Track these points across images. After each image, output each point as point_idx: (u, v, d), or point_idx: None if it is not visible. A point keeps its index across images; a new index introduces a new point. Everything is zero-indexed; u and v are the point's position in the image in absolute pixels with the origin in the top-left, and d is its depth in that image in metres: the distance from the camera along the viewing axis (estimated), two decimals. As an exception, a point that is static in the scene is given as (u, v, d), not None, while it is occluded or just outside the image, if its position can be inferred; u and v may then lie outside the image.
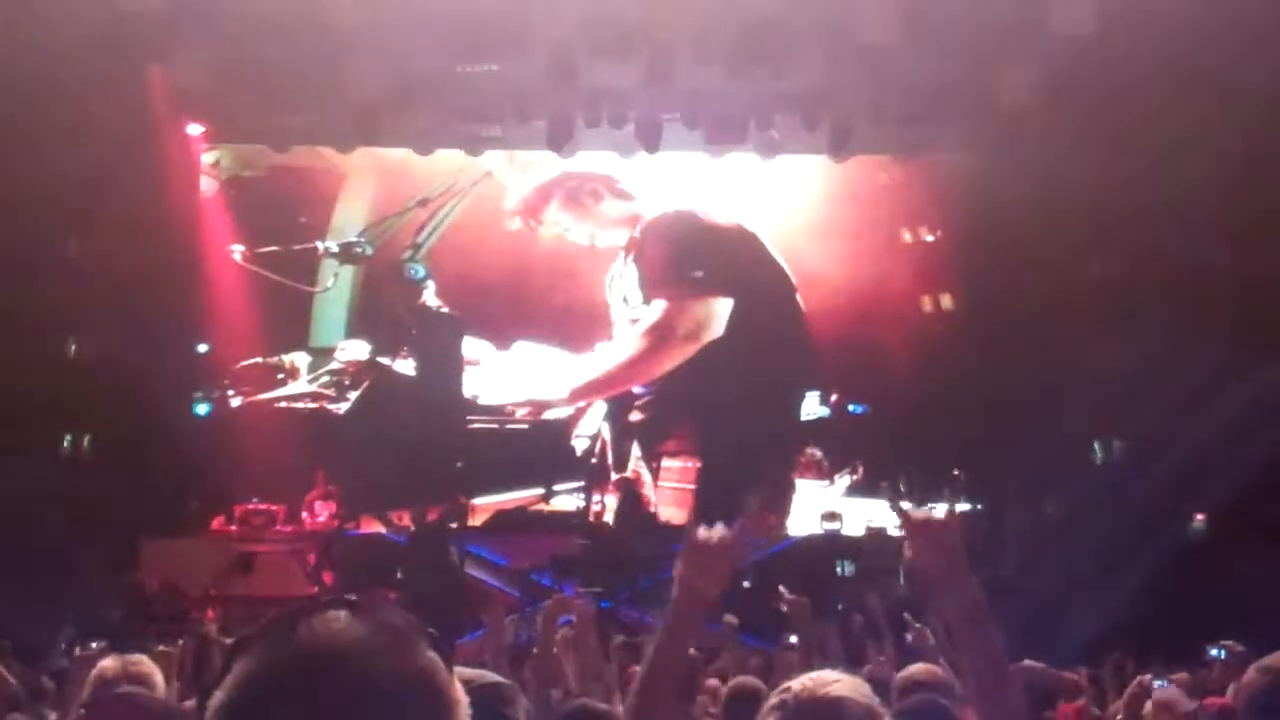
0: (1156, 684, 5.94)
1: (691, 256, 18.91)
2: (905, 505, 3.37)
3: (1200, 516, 17.07)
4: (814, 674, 2.74)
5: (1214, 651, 8.41)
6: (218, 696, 1.53)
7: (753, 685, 6.86)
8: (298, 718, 1.49)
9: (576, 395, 18.92)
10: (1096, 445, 18.12)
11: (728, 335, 18.73)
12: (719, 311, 18.82)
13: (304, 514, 16.93)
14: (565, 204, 18.99)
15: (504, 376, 19.08)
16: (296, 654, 1.52)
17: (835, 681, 2.68)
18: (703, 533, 3.19)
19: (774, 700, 2.69)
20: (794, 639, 7.95)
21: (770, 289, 19.01)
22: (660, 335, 18.80)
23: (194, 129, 18.05)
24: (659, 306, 18.82)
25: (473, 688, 2.48)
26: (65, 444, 17.42)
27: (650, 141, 17.12)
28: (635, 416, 18.83)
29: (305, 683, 1.50)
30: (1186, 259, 16.10)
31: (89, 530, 15.97)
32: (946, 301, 19.43)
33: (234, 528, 17.25)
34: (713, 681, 8.23)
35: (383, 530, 17.60)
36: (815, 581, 16.41)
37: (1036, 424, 17.08)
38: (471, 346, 18.78)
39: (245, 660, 1.54)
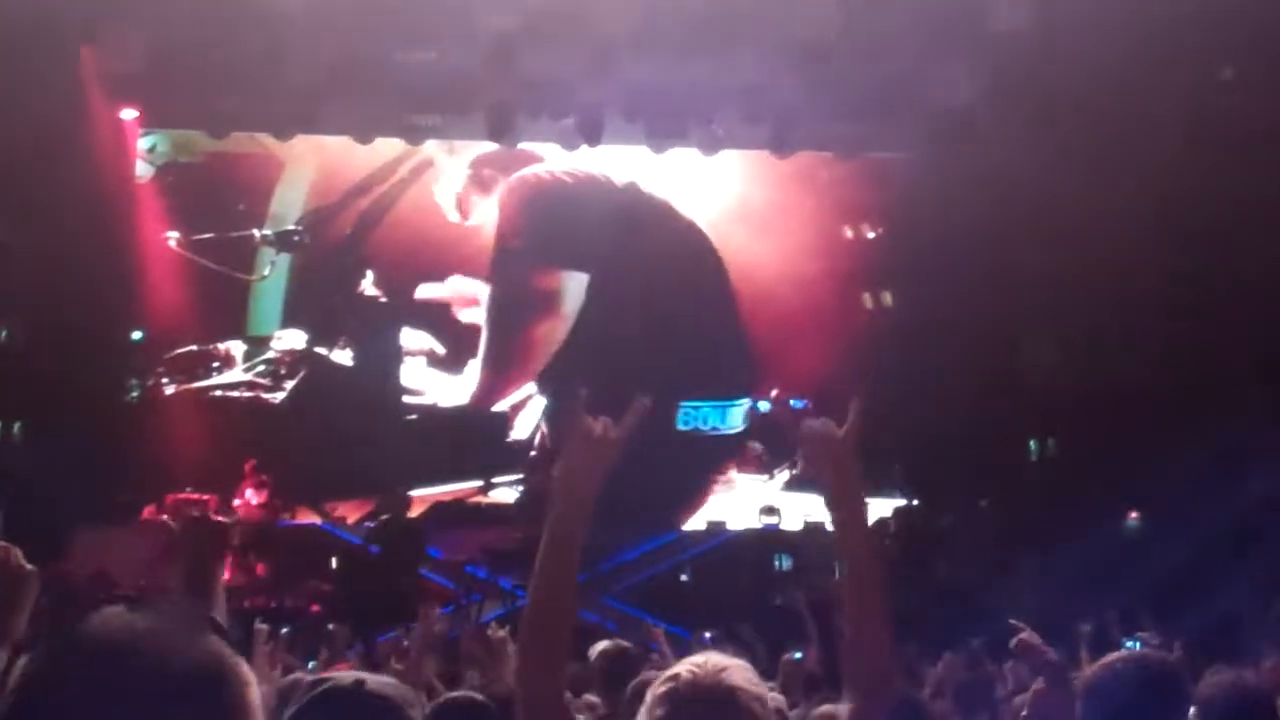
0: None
1: (539, 223, 18.77)
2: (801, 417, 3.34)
3: (1134, 514, 17.19)
4: (702, 657, 2.70)
5: (1129, 643, 8.43)
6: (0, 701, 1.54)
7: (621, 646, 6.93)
8: (73, 713, 1.49)
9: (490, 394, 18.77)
10: (1032, 443, 18.21)
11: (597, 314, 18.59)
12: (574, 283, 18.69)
13: (235, 502, 16.74)
14: (481, 190, 18.85)
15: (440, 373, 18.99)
16: (71, 651, 1.54)
17: (725, 668, 2.64)
18: (590, 423, 3.12)
19: (661, 688, 2.63)
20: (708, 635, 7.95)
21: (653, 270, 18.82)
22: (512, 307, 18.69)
23: (128, 113, 17.80)
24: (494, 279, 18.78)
25: (368, 693, 2.50)
26: None
27: (592, 134, 17.07)
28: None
29: (78, 678, 1.51)
30: (1125, 256, 16.18)
31: (19, 518, 15.85)
32: (887, 298, 19.49)
33: (166, 517, 16.98)
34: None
35: (318, 521, 17.45)
36: (753, 576, 16.80)
37: (973, 421, 17.23)
38: (419, 338, 18.71)
39: (26, 661, 1.56)
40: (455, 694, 3.09)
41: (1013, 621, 7.65)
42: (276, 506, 17.18)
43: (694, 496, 18.63)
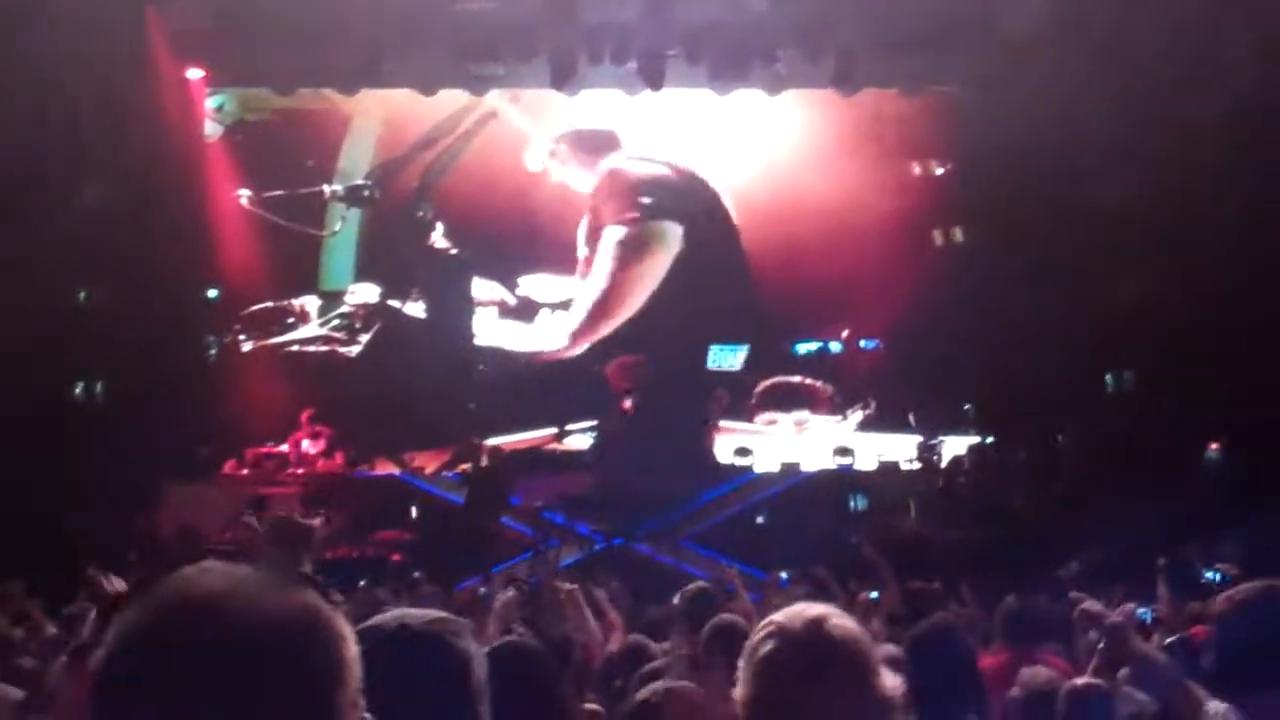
0: (1139, 612, 5.91)
1: (640, 188, 18.87)
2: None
3: (1214, 445, 17.01)
4: (799, 606, 2.73)
5: (1210, 574, 8.30)
6: (97, 655, 1.54)
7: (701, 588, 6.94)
8: (167, 668, 1.50)
9: (577, 339, 18.91)
10: (1109, 376, 18.06)
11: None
12: (671, 232, 18.89)
13: (288, 451, 16.97)
14: (570, 157, 18.92)
15: (512, 323, 19.11)
16: (165, 606, 1.53)
17: (825, 612, 2.68)
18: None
19: (764, 630, 2.67)
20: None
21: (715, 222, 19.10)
22: (620, 257, 18.77)
23: (194, 73, 17.94)
24: (615, 232, 18.80)
25: (421, 623, 2.50)
26: (77, 390, 17.53)
27: (654, 78, 17.00)
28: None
29: (172, 633, 1.51)
30: (1197, 185, 15.93)
31: (104, 475, 16.02)
32: (957, 235, 19.30)
33: (246, 471, 17.28)
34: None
35: (396, 471, 17.63)
36: (828, 516, 16.61)
37: (1049, 356, 17.09)
38: (490, 288, 18.85)
39: (121, 617, 1.55)
40: (510, 638, 3.07)
41: (1073, 594, 7.63)
42: (352, 457, 17.39)
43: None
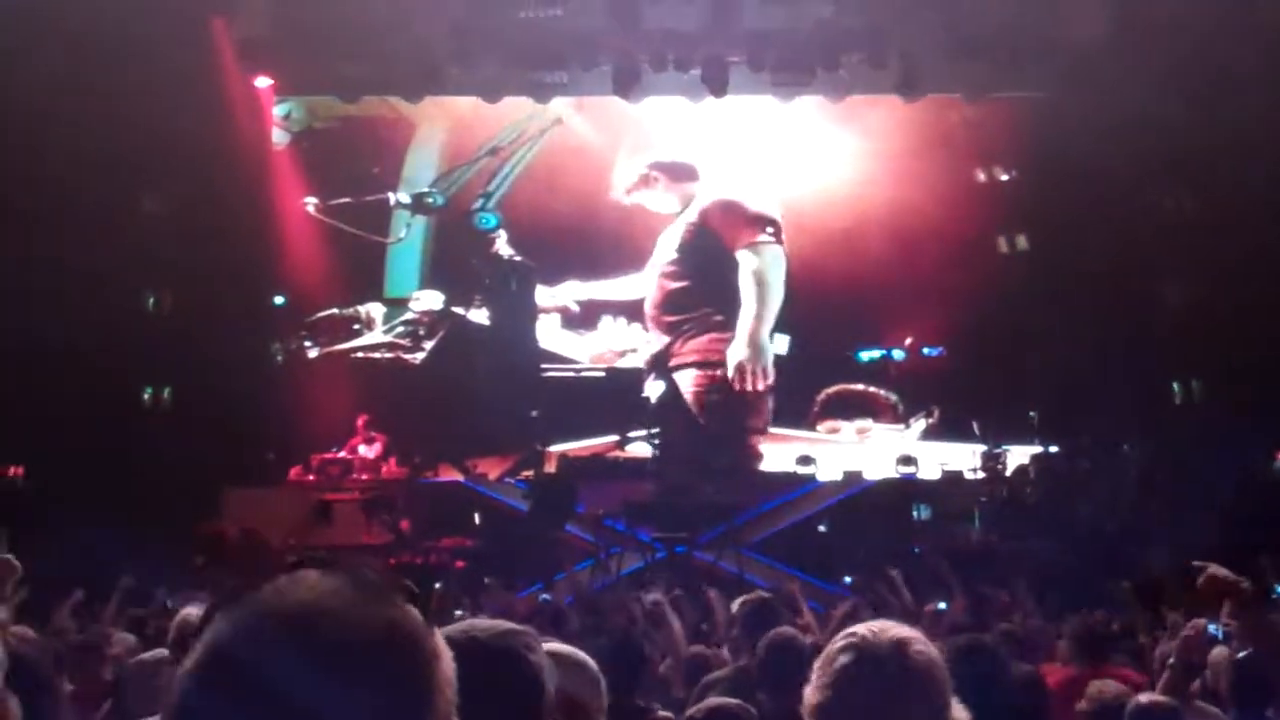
0: (1210, 628, 5.82)
1: (763, 217, 18.93)
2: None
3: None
4: (883, 623, 2.72)
5: (1280, 589, 8.17)
6: (186, 663, 1.51)
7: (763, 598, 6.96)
8: (260, 676, 1.47)
9: (754, 339, 18.96)
10: (1176, 385, 17.90)
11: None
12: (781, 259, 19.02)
13: (345, 456, 17.06)
14: (646, 185, 19.03)
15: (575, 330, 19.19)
16: (261, 615, 1.51)
17: (910, 636, 2.66)
18: None
19: (845, 641, 2.66)
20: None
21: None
22: (760, 280, 18.87)
23: (262, 81, 18.09)
24: (749, 255, 18.87)
25: (490, 635, 2.46)
26: (145, 397, 17.75)
27: (717, 85, 16.97)
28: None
29: (267, 642, 1.49)
30: (1264, 194, 15.73)
31: (171, 480, 16.17)
32: (1022, 242, 19.15)
33: (312, 477, 17.39)
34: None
35: (460, 478, 17.67)
36: (891, 525, 16.70)
37: (1115, 364, 16.94)
38: (553, 295, 18.94)
39: (212, 626, 1.52)
40: (558, 646, 3.02)
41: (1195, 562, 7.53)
42: (416, 464, 17.48)
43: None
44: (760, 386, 18.69)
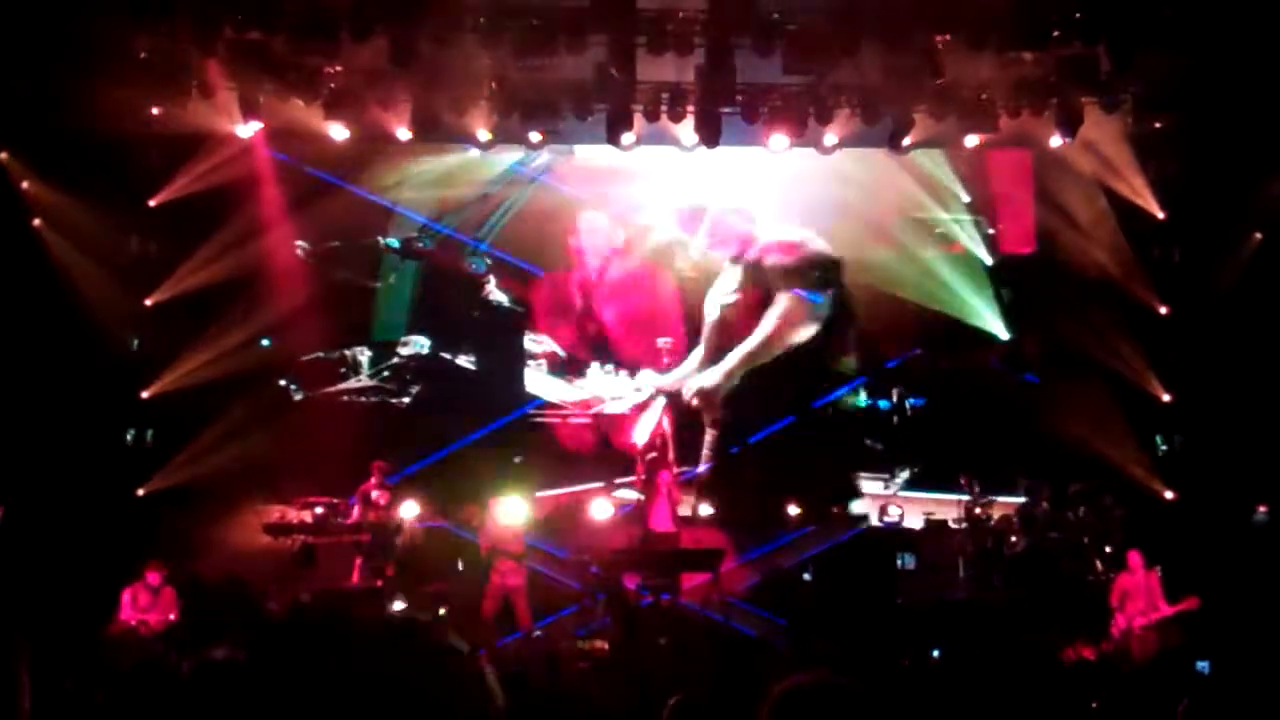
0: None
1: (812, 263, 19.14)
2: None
3: (1263, 508, 16.97)
4: None
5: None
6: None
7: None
8: None
9: (731, 372, 19.04)
10: (1158, 438, 18.09)
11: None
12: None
13: (355, 505, 16.99)
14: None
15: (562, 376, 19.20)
16: None
17: None
18: None
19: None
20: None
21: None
22: (788, 320, 19.02)
23: (254, 126, 17.94)
24: (788, 297, 19.11)
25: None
26: (128, 438, 17.75)
27: (710, 136, 16.93)
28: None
29: None
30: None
31: (151, 520, 16.51)
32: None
33: (295, 520, 17.19)
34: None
35: (446, 524, 17.63)
36: (876, 574, 16.90)
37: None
38: (541, 341, 18.96)
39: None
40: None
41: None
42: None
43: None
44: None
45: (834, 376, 19.14)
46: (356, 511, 16.84)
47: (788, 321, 19.10)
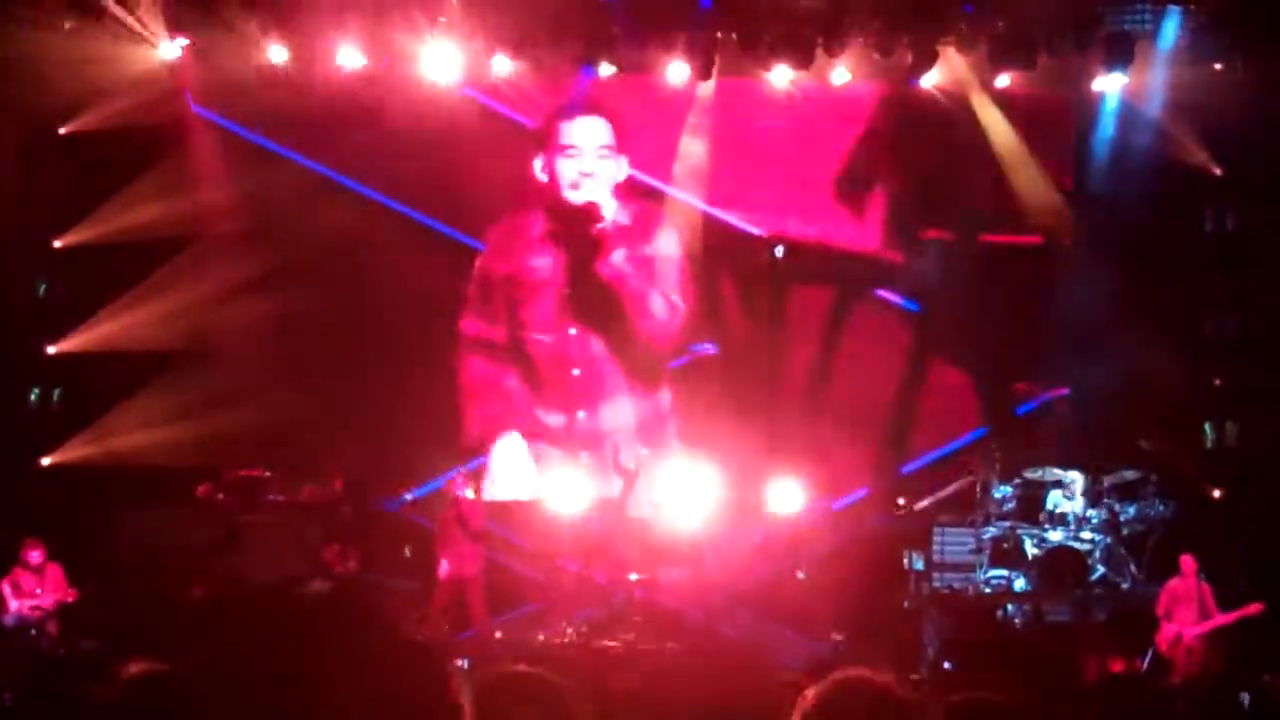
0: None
1: None
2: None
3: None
4: None
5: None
6: None
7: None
8: None
9: None
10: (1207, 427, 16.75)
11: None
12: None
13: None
14: None
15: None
16: None
17: None
18: None
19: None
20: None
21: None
22: None
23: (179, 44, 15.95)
24: None
25: None
26: (33, 398, 16.50)
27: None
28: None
29: None
30: None
31: (60, 496, 15.43)
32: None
33: (221, 495, 15.60)
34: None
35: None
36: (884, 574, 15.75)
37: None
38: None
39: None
40: None
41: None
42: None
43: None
44: None
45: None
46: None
47: None
